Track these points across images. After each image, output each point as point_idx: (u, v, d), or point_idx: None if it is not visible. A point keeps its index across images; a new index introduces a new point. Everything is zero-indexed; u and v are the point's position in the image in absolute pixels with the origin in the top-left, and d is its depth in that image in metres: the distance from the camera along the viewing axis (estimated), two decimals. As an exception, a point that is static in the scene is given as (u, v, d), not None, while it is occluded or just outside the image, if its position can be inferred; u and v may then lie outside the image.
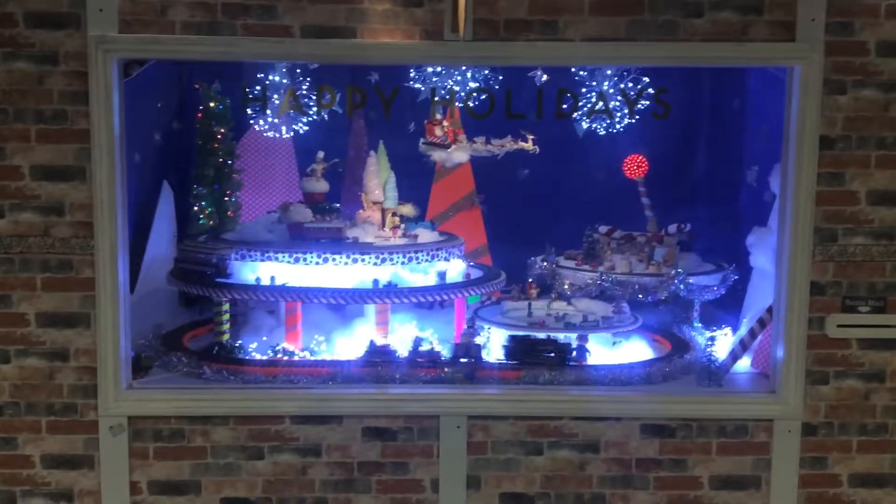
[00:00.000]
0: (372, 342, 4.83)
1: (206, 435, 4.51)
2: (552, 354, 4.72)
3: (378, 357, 4.70)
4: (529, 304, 5.35)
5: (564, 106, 4.85)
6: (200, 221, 5.92)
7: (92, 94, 4.26)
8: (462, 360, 4.69)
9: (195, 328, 5.48)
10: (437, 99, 5.26)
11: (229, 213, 6.03)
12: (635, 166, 6.11)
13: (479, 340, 4.89)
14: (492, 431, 4.51)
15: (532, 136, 5.52)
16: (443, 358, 4.74)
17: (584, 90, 5.44)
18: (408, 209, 5.63)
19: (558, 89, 4.87)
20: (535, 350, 4.75)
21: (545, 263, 5.79)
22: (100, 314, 4.41)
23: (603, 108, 5.17)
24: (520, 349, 4.76)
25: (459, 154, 5.67)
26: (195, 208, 6.06)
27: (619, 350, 5.16)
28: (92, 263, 4.38)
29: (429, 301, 5.38)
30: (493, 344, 4.98)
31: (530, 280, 5.66)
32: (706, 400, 4.57)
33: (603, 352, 5.04)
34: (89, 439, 4.48)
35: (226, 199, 6.11)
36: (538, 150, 5.57)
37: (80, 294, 4.42)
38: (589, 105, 5.33)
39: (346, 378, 4.64)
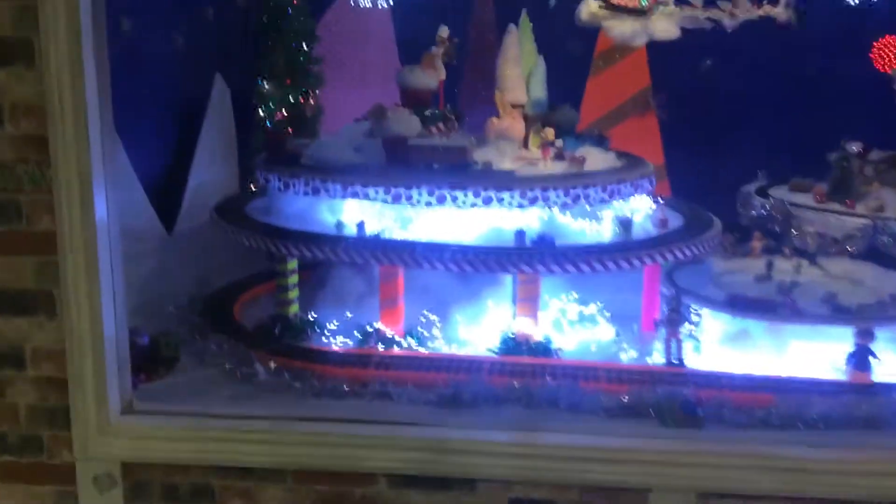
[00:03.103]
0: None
1: (249, 497, 2.50)
2: None
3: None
4: (769, 266, 3.04)
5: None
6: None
7: None
8: None
9: (259, 284, 3.57)
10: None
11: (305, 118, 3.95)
12: (891, 54, 3.94)
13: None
14: (742, 522, 2.34)
15: None
16: None
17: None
18: (565, 115, 3.33)
19: None
20: None
21: (769, 199, 3.49)
22: (67, 292, 2.39)
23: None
24: None
25: (664, 25, 3.41)
26: (260, 112, 3.97)
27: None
28: (51, 207, 2.32)
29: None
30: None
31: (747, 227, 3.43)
32: None
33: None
34: (62, 493, 2.59)
35: (301, 99, 3.95)
36: (794, 21, 3.22)
37: (36, 259, 2.46)
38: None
39: (476, 397, 2.52)
